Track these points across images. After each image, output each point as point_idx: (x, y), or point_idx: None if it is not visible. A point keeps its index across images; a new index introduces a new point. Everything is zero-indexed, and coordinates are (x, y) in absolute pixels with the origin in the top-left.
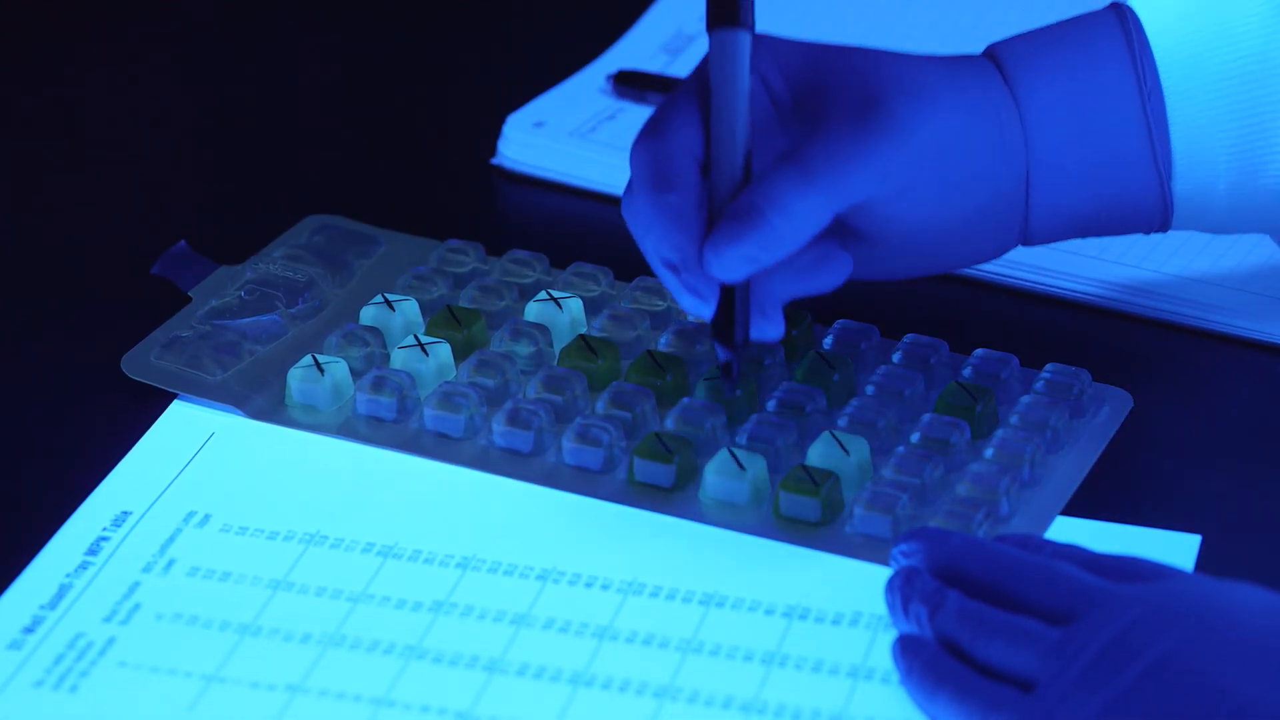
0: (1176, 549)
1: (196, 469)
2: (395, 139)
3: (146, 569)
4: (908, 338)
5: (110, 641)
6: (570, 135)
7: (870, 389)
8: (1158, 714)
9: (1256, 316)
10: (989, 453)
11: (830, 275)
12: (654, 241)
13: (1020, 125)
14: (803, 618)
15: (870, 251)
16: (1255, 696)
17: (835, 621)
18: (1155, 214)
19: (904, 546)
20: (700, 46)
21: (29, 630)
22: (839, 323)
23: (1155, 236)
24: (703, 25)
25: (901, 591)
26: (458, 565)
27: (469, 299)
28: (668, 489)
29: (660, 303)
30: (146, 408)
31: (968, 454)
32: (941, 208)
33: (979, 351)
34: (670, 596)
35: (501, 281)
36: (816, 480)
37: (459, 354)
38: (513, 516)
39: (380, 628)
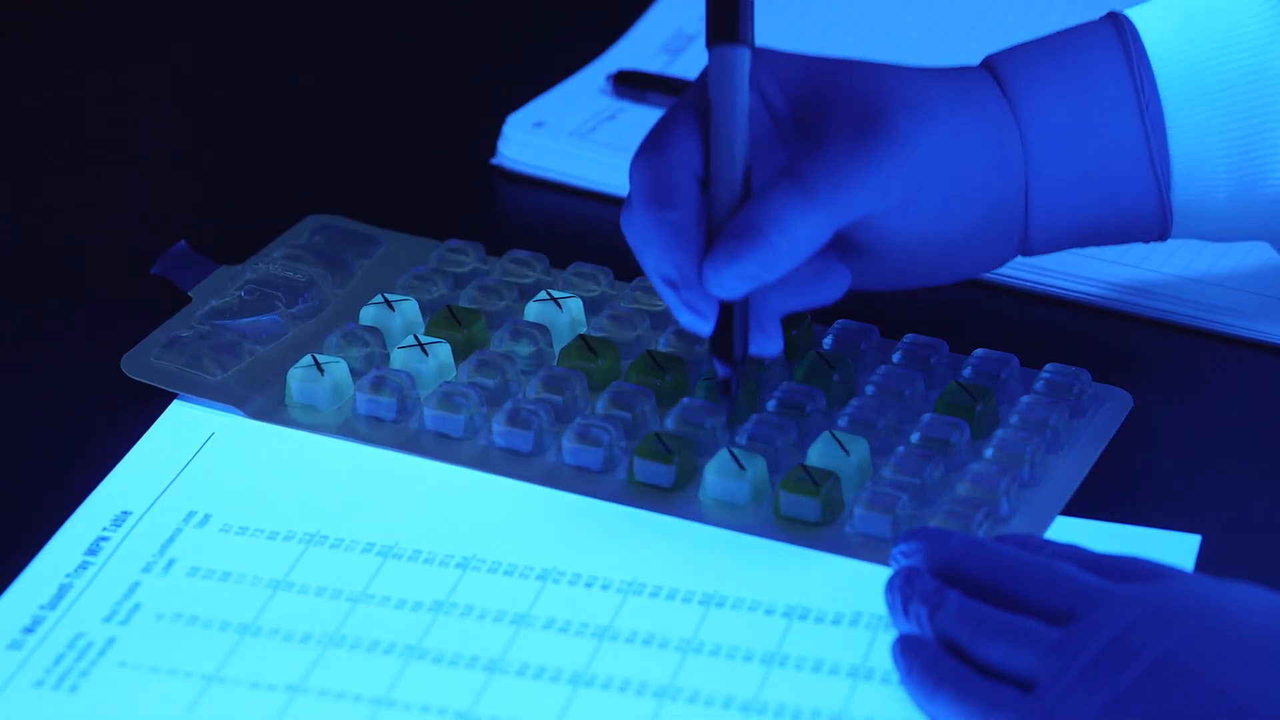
0: (1176, 549)
1: (196, 469)
2: (395, 139)
3: (146, 569)
4: (908, 338)
5: (110, 641)
6: (570, 135)
7: (870, 389)
8: (1158, 714)
9: (1256, 316)
10: (989, 453)
11: (829, 289)
12: (653, 258)
13: (1019, 137)
14: (803, 618)
15: (870, 264)
16: (1255, 696)
17: (835, 621)
18: (1155, 223)
19: (904, 546)
20: (700, 46)
21: (29, 630)
22: (839, 323)
23: None
24: (703, 25)
25: (901, 591)
26: (458, 565)
27: (469, 299)
28: (668, 489)
29: (660, 303)
30: (146, 408)
31: (968, 454)
32: (941, 221)
33: (979, 351)
34: (670, 596)
35: (501, 281)
36: (816, 480)
37: (459, 354)
38: (513, 516)
39: (380, 628)
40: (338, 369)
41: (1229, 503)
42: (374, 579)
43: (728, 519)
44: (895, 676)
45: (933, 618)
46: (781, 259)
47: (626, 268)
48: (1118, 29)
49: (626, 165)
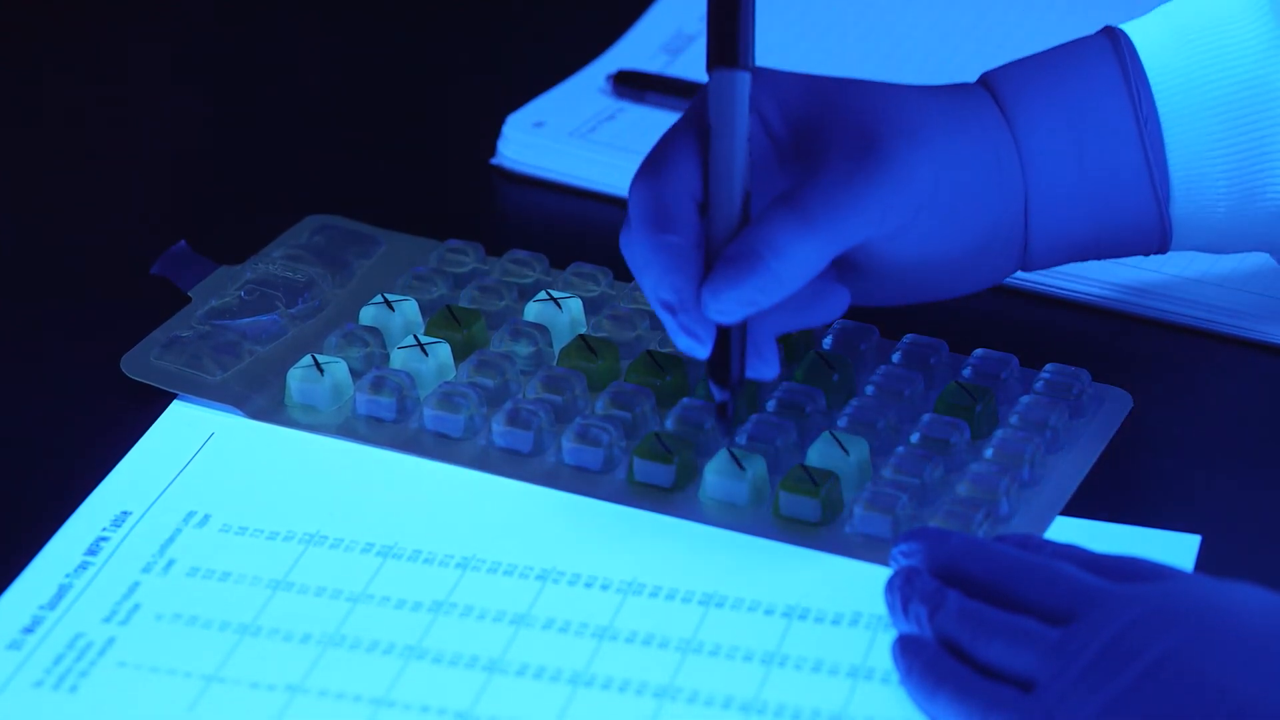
0: (1176, 549)
1: (196, 469)
2: (395, 139)
3: (146, 569)
4: (908, 338)
5: (110, 642)
6: (570, 135)
7: (870, 389)
8: (1157, 714)
9: (1256, 317)
10: (989, 453)
11: (828, 309)
12: (651, 281)
13: (1017, 155)
14: (803, 618)
15: (869, 283)
16: (1255, 696)
17: (835, 621)
18: (1154, 237)
19: (904, 546)
20: (700, 47)
21: (29, 630)
22: (839, 323)
23: None
24: (703, 25)
25: (901, 591)
26: (458, 565)
27: (469, 299)
28: (668, 489)
29: None
30: (146, 408)
31: (968, 454)
32: (941, 242)
33: (979, 351)
34: (670, 596)
35: (501, 281)
36: (816, 480)
37: (459, 354)
38: (512, 516)
39: (380, 628)
40: (338, 369)
41: (1229, 503)
42: (374, 579)
43: (728, 519)
44: (895, 676)
45: (933, 618)
46: (780, 285)
47: (626, 268)
48: (1114, 44)
49: (626, 165)
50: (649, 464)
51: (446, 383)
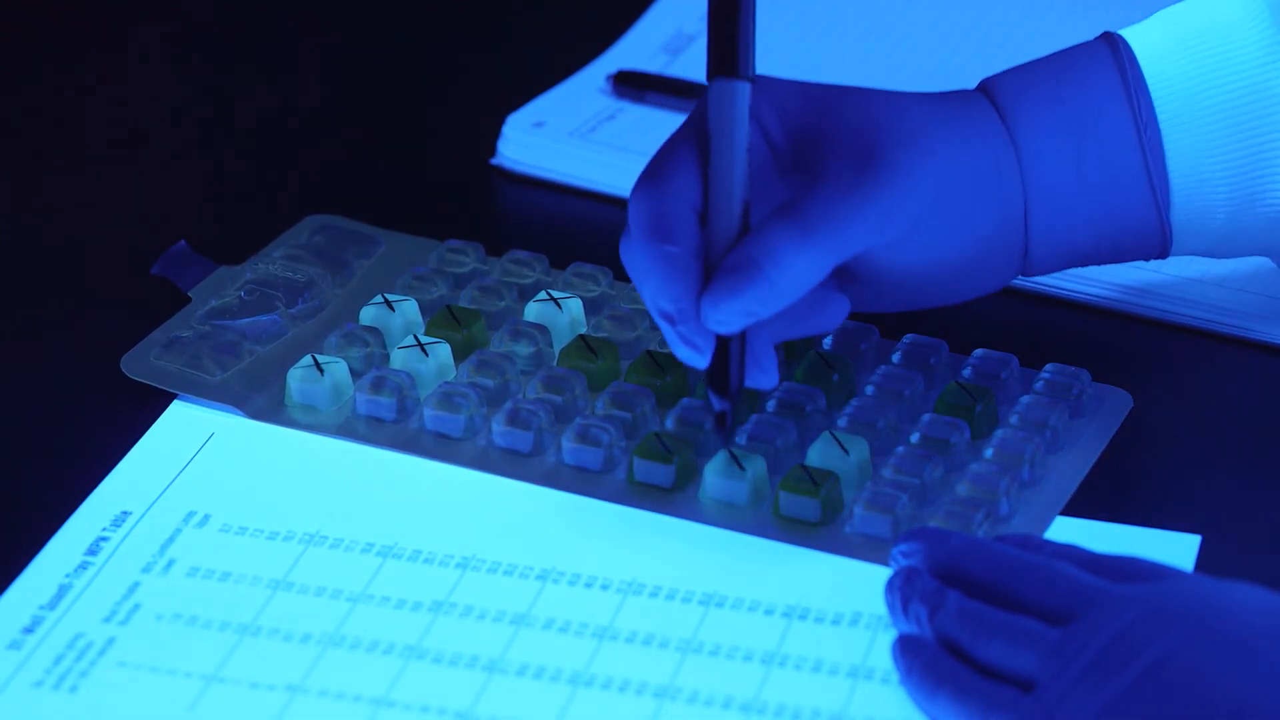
0: (1176, 549)
1: (196, 469)
2: (395, 139)
3: (146, 569)
4: (908, 338)
5: (110, 642)
6: (570, 135)
7: (870, 389)
8: (1158, 714)
9: (1256, 317)
10: (989, 453)
11: (828, 318)
12: (651, 291)
13: (1017, 162)
14: (802, 618)
15: (869, 292)
16: (1255, 696)
17: (835, 621)
18: (1154, 243)
19: (904, 546)
20: (700, 47)
21: (29, 630)
22: None
23: None
24: (703, 25)
25: (901, 591)
26: (458, 565)
27: (469, 299)
28: (667, 489)
29: None
30: (146, 408)
31: (968, 454)
32: (941, 250)
33: (979, 351)
34: (670, 596)
35: (501, 282)
36: (816, 480)
37: (459, 354)
38: (512, 516)
39: (380, 628)
40: (337, 369)
41: (1229, 503)
42: (374, 579)
43: (727, 519)
44: (895, 676)
45: (932, 618)
46: (780, 296)
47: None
48: (1113, 49)
49: (626, 165)
50: (649, 464)
51: (446, 383)
